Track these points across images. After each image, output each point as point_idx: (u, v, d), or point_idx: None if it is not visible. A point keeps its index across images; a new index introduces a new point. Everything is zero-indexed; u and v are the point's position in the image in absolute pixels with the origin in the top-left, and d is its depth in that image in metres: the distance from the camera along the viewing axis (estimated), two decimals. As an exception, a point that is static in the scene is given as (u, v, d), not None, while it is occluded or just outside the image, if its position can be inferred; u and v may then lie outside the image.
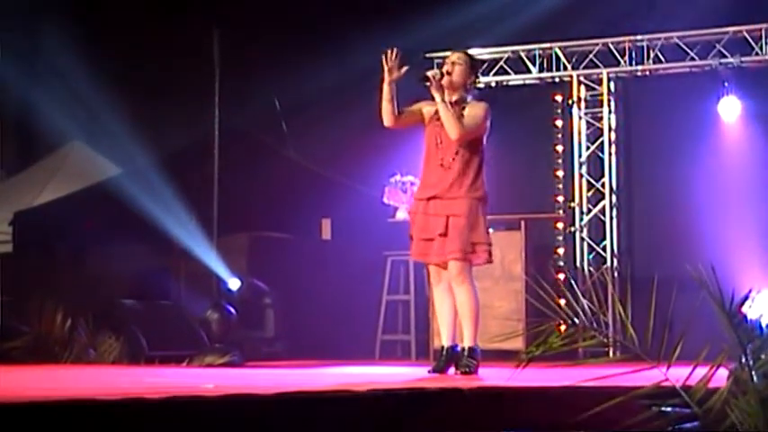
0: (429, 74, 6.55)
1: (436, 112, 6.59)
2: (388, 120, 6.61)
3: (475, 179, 6.56)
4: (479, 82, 7.01)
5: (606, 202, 10.88)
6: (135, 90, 11.18)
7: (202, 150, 9.33)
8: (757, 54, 10.31)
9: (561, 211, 10.94)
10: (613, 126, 10.98)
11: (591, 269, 10.78)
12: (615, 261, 10.77)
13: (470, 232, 6.47)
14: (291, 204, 10.82)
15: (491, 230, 6.79)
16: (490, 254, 6.62)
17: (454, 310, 6.61)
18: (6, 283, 9.05)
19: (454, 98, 6.62)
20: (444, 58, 6.94)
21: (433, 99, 6.59)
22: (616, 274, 10.71)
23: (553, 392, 4.66)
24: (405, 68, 6.52)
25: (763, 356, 3.71)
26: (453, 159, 6.55)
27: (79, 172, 11.40)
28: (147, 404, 3.93)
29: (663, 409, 3.69)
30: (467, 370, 6.42)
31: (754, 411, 3.61)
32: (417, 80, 6.55)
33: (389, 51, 6.53)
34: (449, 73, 6.60)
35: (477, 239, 6.51)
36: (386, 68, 6.50)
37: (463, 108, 6.59)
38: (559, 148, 11.12)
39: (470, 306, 6.48)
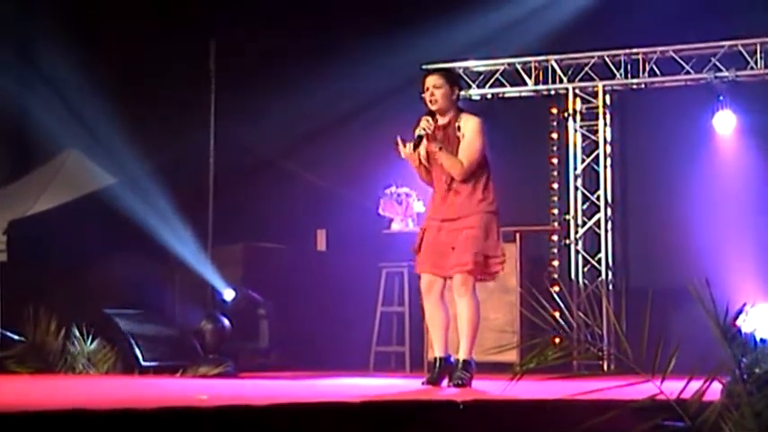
0: (421, 134, 6.50)
1: (419, 136, 6.57)
2: (425, 179, 6.77)
3: (485, 194, 6.57)
4: (463, 91, 7.02)
5: (601, 214, 10.89)
6: (131, 99, 11.16)
7: (198, 160, 9.33)
8: (752, 68, 10.34)
9: (556, 224, 10.95)
10: (609, 139, 11.00)
11: (586, 282, 10.78)
12: (610, 274, 10.77)
13: (484, 244, 6.48)
14: (286, 215, 10.82)
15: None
16: (502, 267, 6.63)
17: (446, 321, 6.60)
18: (0, 293, 9.03)
19: (447, 119, 6.62)
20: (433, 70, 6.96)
21: (430, 114, 6.59)
22: (611, 287, 10.71)
23: (547, 405, 4.66)
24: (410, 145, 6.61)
25: (757, 370, 3.72)
26: (461, 182, 6.56)
27: (74, 181, 11.37)
28: (141, 414, 3.92)
29: (657, 422, 3.69)
30: (460, 382, 6.41)
31: (748, 425, 3.61)
32: (413, 146, 6.53)
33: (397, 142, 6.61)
34: (434, 105, 6.58)
35: (490, 252, 6.51)
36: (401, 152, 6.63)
37: (458, 128, 6.60)
38: (554, 160, 11.15)
39: (470, 319, 6.47)
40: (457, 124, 6.61)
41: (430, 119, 6.55)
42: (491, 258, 6.52)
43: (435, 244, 6.60)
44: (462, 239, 6.47)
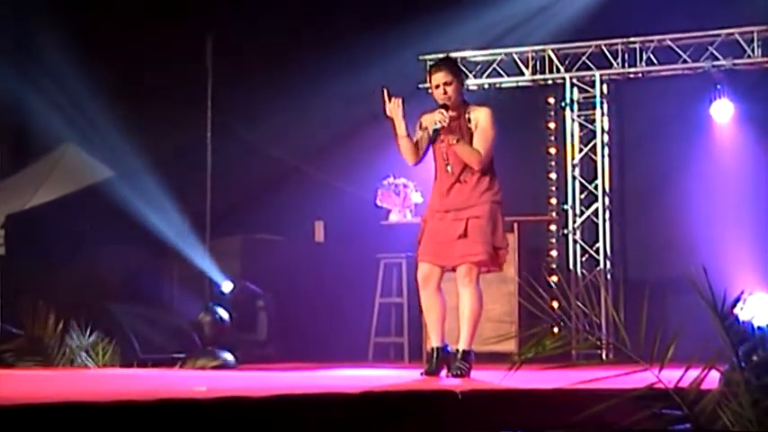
0: (437, 127, 6.49)
1: (435, 130, 6.55)
2: (409, 158, 6.61)
3: (491, 184, 6.56)
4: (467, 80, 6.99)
5: (599, 204, 10.89)
6: (128, 93, 11.15)
7: (195, 153, 9.33)
8: (749, 56, 10.33)
9: (554, 214, 10.95)
10: (606, 128, 10.99)
11: (584, 271, 10.79)
12: (608, 263, 10.78)
13: (492, 235, 6.47)
14: (284, 207, 10.82)
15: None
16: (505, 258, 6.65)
17: (443, 312, 6.60)
18: (-1, 286, 9.04)
19: (457, 111, 6.56)
20: (435, 60, 6.93)
21: (434, 110, 6.57)
22: (609, 277, 10.72)
23: (546, 395, 4.66)
24: (400, 100, 6.51)
25: (754, 358, 3.72)
26: (468, 172, 6.54)
27: (72, 174, 11.36)
28: (140, 407, 3.92)
29: (655, 411, 3.69)
30: (458, 373, 6.41)
31: (745, 413, 3.62)
32: (431, 140, 6.53)
33: (383, 92, 6.52)
34: (447, 101, 6.55)
35: (498, 243, 6.51)
36: (387, 108, 6.52)
37: (469, 119, 6.58)
38: (552, 150, 11.14)
39: (473, 309, 6.47)
40: (467, 116, 6.58)
41: (444, 111, 6.51)
42: (500, 250, 6.53)
43: (436, 233, 6.57)
44: (471, 230, 6.45)
